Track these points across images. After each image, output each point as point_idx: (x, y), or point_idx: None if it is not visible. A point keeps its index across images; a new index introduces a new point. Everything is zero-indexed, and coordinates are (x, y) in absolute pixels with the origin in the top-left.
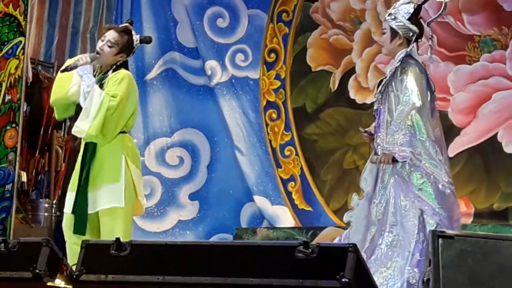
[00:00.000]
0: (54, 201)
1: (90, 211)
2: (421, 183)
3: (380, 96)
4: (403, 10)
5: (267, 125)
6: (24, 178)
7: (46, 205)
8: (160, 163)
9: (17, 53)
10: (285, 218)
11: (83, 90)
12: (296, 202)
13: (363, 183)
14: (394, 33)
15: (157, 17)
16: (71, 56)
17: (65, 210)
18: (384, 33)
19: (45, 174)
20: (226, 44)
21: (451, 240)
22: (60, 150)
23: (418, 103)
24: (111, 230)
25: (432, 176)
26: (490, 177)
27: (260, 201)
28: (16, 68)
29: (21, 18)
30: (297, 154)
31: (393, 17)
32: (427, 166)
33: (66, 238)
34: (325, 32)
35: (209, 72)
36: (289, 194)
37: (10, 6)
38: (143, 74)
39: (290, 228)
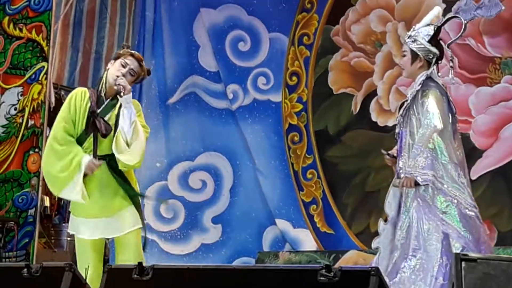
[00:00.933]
0: None
1: (116, 235)
2: (445, 206)
3: (402, 120)
4: (423, 32)
5: (289, 148)
6: (47, 202)
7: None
8: (183, 187)
9: (40, 78)
10: (307, 241)
11: (130, 118)
12: (318, 225)
13: (387, 208)
14: (414, 56)
15: (179, 41)
16: (94, 81)
17: (83, 236)
18: (404, 56)
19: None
20: (248, 67)
21: (474, 263)
22: None
23: (440, 126)
24: (136, 250)
25: (455, 200)
26: None
27: (282, 224)
28: (39, 93)
29: (44, 44)
30: (319, 177)
31: (413, 39)
32: (449, 189)
33: (89, 261)
34: (346, 55)
35: (231, 96)
36: (311, 217)
37: (33, 32)
38: (165, 98)
39: (312, 252)
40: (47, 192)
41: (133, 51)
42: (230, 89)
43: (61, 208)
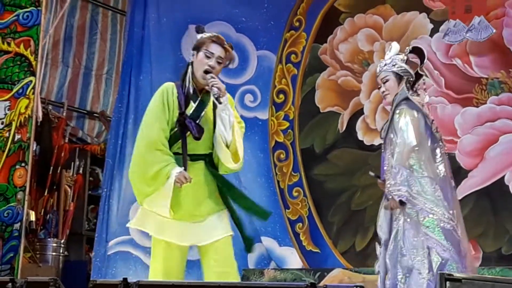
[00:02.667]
0: (62, 241)
1: (202, 242)
2: (427, 221)
3: (384, 143)
4: (398, 57)
5: (275, 165)
6: (32, 217)
7: (54, 244)
8: None
9: (27, 93)
10: (292, 259)
11: (229, 122)
12: (304, 244)
13: (379, 231)
14: (398, 78)
15: (167, 58)
16: (82, 96)
17: (169, 238)
18: (386, 81)
19: (53, 214)
20: (235, 84)
21: (459, 283)
22: (69, 190)
23: (414, 142)
24: (226, 260)
25: (433, 214)
26: (498, 220)
27: (268, 242)
28: (26, 107)
29: (32, 58)
30: (305, 195)
31: (393, 63)
32: (426, 204)
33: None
34: (333, 74)
35: None
36: (296, 235)
37: (21, 46)
38: None
39: (298, 270)
40: (32, 206)
41: (213, 35)
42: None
43: (47, 223)
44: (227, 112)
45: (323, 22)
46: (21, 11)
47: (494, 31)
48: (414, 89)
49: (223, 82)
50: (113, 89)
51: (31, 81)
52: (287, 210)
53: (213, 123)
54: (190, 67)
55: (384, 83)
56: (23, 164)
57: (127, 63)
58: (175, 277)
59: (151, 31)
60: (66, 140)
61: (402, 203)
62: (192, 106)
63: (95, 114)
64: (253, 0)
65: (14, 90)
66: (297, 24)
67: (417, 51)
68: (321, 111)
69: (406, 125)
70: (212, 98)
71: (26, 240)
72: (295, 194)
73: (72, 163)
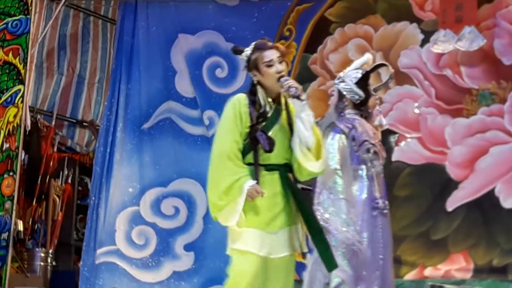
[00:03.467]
0: (50, 251)
1: (276, 255)
2: (334, 240)
3: None
4: (351, 75)
5: None
6: (20, 227)
7: (42, 254)
8: (156, 213)
9: (16, 101)
10: None
11: (309, 121)
12: None
13: None
14: (340, 96)
15: (156, 66)
16: (74, 104)
17: (250, 249)
18: (332, 95)
19: (41, 223)
20: (225, 94)
21: None
22: (57, 199)
23: (334, 165)
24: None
25: (342, 234)
26: (489, 232)
27: None
28: (15, 116)
29: (20, 67)
30: None
31: (341, 80)
32: (337, 224)
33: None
34: (323, 83)
35: (207, 122)
36: None
37: (10, 54)
38: (140, 123)
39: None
40: (20, 216)
41: (254, 46)
42: (206, 115)
43: (35, 232)
44: (307, 113)
45: (314, 32)
46: (10, 19)
47: (485, 40)
48: (363, 108)
49: (212, 91)
50: (104, 98)
51: (19, 89)
52: None
53: (289, 132)
54: (258, 86)
55: (331, 95)
56: (11, 173)
57: (116, 71)
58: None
59: (140, 39)
60: (55, 149)
61: None
62: (265, 118)
63: (84, 123)
64: (243, 9)
65: (3, 99)
66: (287, 33)
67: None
68: None
69: (331, 147)
70: (283, 108)
71: (14, 250)
72: None
73: (61, 172)
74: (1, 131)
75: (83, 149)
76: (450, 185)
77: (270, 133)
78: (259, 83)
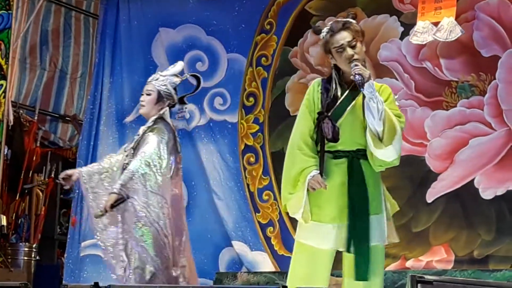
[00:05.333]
0: (34, 245)
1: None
2: (141, 233)
3: (132, 152)
4: (171, 80)
5: (245, 169)
6: (4, 221)
7: (26, 249)
8: None
9: None
10: (264, 264)
11: (378, 109)
12: (276, 248)
13: None
14: (160, 97)
15: (137, 60)
16: (56, 99)
17: (311, 243)
18: (149, 94)
19: (25, 218)
20: (205, 87)
21: (430, 285)
22: (40, 194)
23: (142, 170)
24: (372, 271)
25: (153, 226)
26: (469, 223)
27: (239, 247)
28: None
29: (2, 62)
30: (275, 199)
31: (162, 83)
32: (151, 216)
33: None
34: (303, 77)
35: (187, 116)
36: (268, 239)
37: None
38: (122, 117)
39: (271, 273)
40: (4, 211)
41: (328, 28)
42: (187, 109)
43: (18, 227)
44: (375, 100)
45: (294, 25)
46: None
47: (463, 31)
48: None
49: (192, 84)
50: (86, 92)
51: (2, 84)
52: (257, 214)
53: (363, 117)
54: (333, 70)
55: (146, 94)
56: None
57: (99, 64)
58: (320, 283)
59: (122, 34)
60: (38, 144)
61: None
62: (335, 104)
63: (67, 118)
64: (224, 3)
65: None
66: (268, 27)
67: (196, 78)
68: (291, 114)
69: (152, 142)
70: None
71: None
72: (265, 197)
73: (44, 167)
74: None
75: (66, 144)
76: (430, 177)
77: (340, 119)
78: (335, 66)
